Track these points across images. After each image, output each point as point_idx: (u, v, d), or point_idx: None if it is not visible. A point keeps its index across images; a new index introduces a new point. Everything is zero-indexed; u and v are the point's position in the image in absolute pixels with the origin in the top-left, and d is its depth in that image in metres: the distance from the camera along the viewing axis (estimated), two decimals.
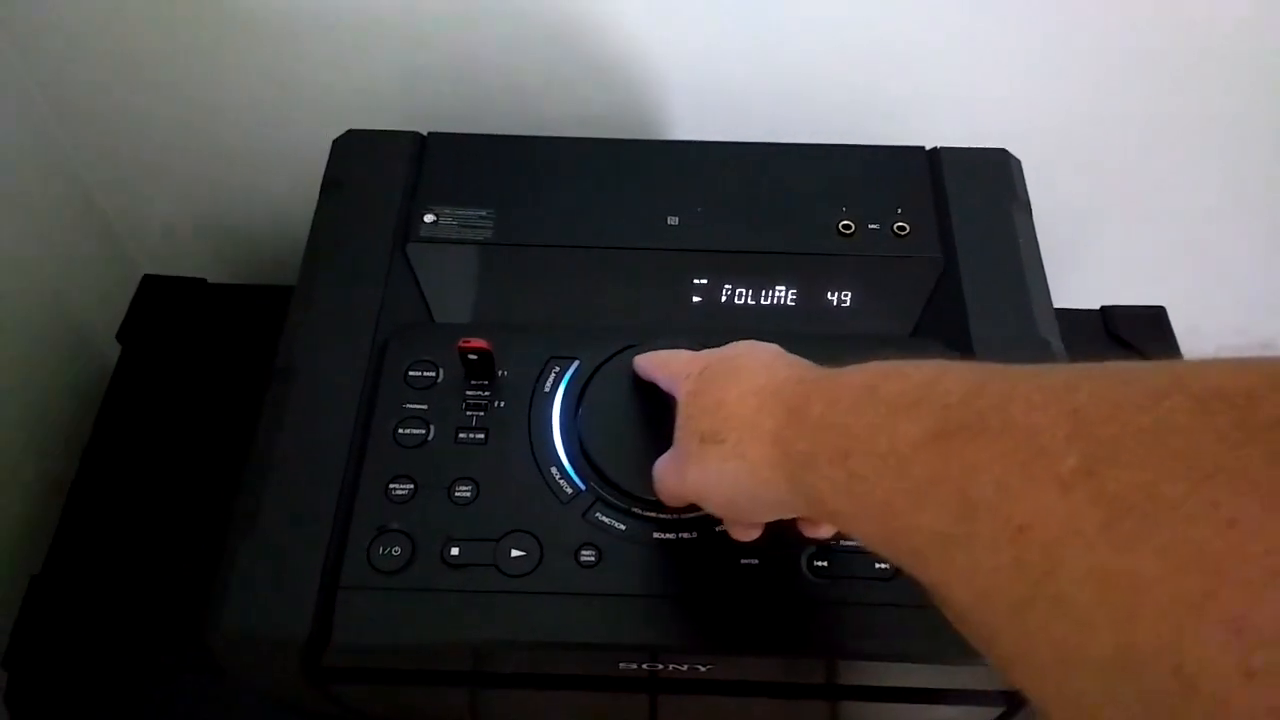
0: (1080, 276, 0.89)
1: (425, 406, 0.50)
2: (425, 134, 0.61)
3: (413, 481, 0.47)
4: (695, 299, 0.56)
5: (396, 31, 0.69)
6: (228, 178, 0.83)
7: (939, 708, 0.51)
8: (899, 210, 0.58)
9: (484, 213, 0.58)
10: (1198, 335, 0.79)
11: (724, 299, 0.56)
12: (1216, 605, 0.18)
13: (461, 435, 0.49)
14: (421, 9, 0.68)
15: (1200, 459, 0.20)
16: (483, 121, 0.72)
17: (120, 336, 0.74)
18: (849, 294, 0.56)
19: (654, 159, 0.61)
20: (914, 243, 0.57)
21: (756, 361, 0.39)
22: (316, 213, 0.58)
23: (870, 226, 0.57)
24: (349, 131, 0.61)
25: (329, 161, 0.60)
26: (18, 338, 0.73)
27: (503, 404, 0.50)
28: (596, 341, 0.51)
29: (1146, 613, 0.19)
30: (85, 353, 0.81)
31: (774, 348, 0.40)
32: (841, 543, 0.46)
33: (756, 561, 0.46)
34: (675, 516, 0.46)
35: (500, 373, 0.51)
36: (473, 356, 0.49)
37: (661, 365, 0.46)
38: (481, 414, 0.49)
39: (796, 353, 0.40)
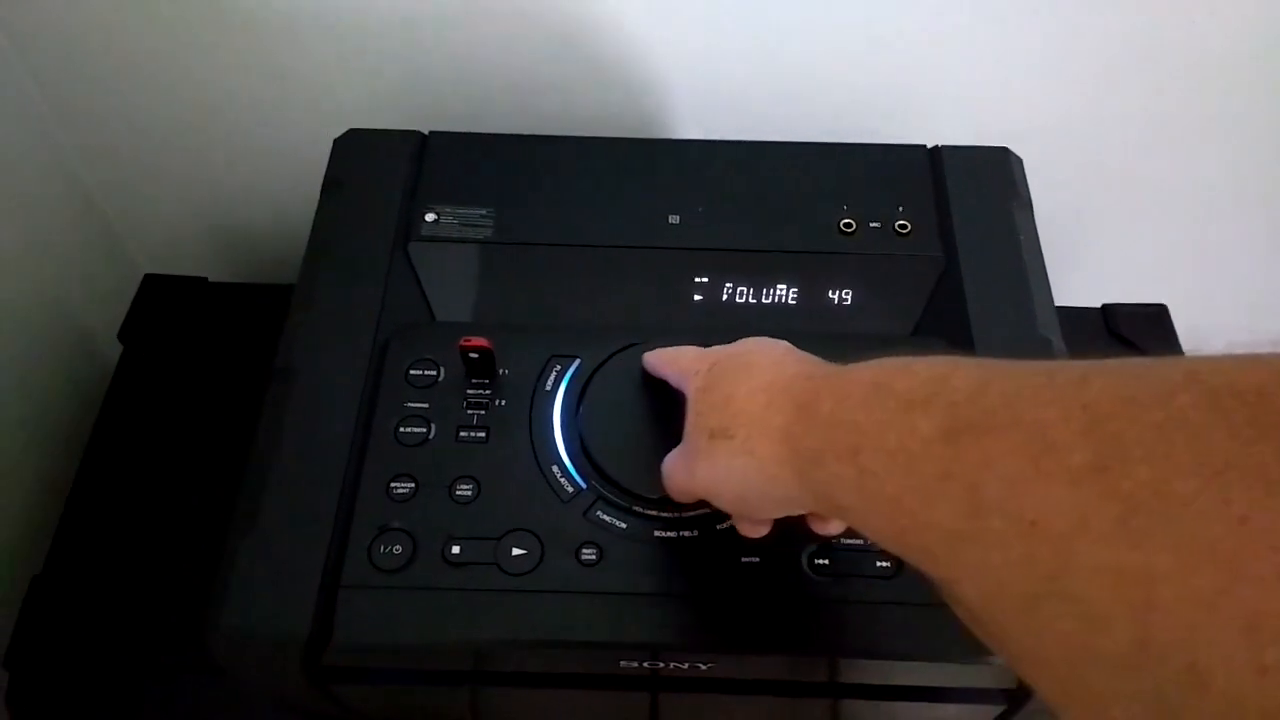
0: (1081, 275, 0.89)
1: (426, 405, 0.50)
2: (426, 133, 0.61)
3: (414, 480, 0.47)
4: (696, 298, 0.56)
5: (397, 31, 0.69)
6: (228, 177, 0.83)
7: (941, 706, 0.51)
8: (900, 209, 0.58)
9: (485, 212, 0.58)
10: (1199, 334, 0.79)
11: (725, 298, 0.56)
12: (1230, 602, 0.18)
13: (462, 434, 0.49)
14: (422, 9, 0.68)
15: (1212, 455, 0.20)
16: (483, 121, 0.72)
17: (121, 336, 0.74)
18: (850, 292, 0.56)
19: (655, 158, 0.61)
20: (915, 241, 0.57)
21: (766, 358, 0.39)
22: (317, 212, 0.58)
23: (871, 225, 0.57)
24: (350, 131, 0.61)
25: (330, 161, 0.60)
26: (18, 338, 0.73)
27: (504, 403, 0.50)
28: (597, 340, 0.51)
29: (1159, 609, 0.19)
30: (86, 353, 0.81)
31: (783, 344, 0.40)
32: (843, 541, 0.45)
33: (758, 560, 0.46)
34: (676, 515, 0.46)
35: (501, 371, 0.51)
36: (474, 355, 0.49)
37: (670, 361, 0.46)
38: (482, 413, 0.49)
39: None
